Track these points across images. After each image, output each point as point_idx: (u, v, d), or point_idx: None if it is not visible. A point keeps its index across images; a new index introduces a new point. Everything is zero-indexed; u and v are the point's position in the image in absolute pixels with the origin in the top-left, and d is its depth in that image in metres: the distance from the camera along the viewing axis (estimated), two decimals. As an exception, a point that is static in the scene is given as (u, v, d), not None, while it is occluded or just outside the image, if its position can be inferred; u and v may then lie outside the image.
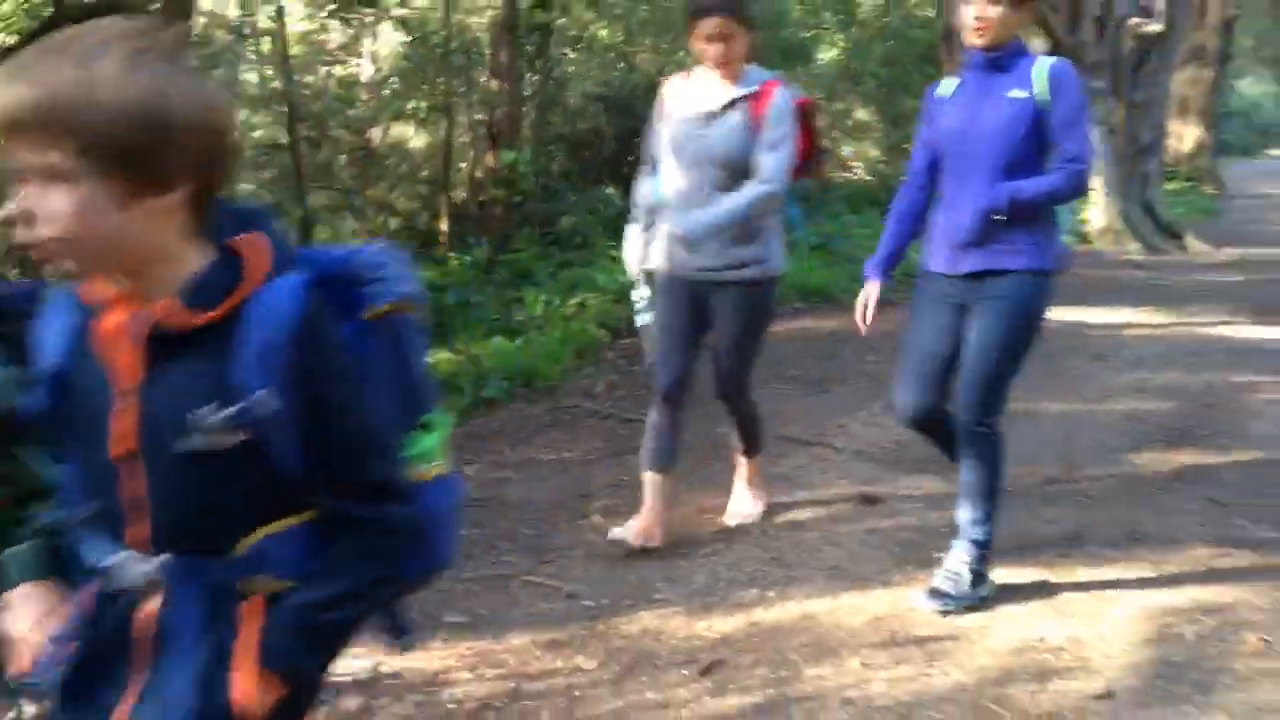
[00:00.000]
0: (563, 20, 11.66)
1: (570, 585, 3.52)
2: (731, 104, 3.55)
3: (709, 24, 3.49)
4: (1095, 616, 3.27)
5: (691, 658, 3.02)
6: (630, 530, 3.70)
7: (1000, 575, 3.46)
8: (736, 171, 3.54)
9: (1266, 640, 3.11)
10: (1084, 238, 12.71)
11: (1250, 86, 47.69)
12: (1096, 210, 12.70)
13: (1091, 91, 12.79)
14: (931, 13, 15.96)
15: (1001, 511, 3.37)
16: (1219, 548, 3.80)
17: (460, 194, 11.96)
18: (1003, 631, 3.17)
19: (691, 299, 3.69)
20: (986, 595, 3.33)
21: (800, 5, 12.51)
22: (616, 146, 11.01)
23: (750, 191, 3.49)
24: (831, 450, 4.98)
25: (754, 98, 3.54)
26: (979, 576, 3.32)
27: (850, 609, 3.31)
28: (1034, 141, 3.09)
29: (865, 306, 3.42)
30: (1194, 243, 12.74)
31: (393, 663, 2.98)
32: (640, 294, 3.84)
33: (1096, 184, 12.74)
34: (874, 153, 21.44)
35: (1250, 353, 6.93)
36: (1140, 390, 6.11)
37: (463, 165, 12.06)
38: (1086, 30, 12.84)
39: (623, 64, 11.58)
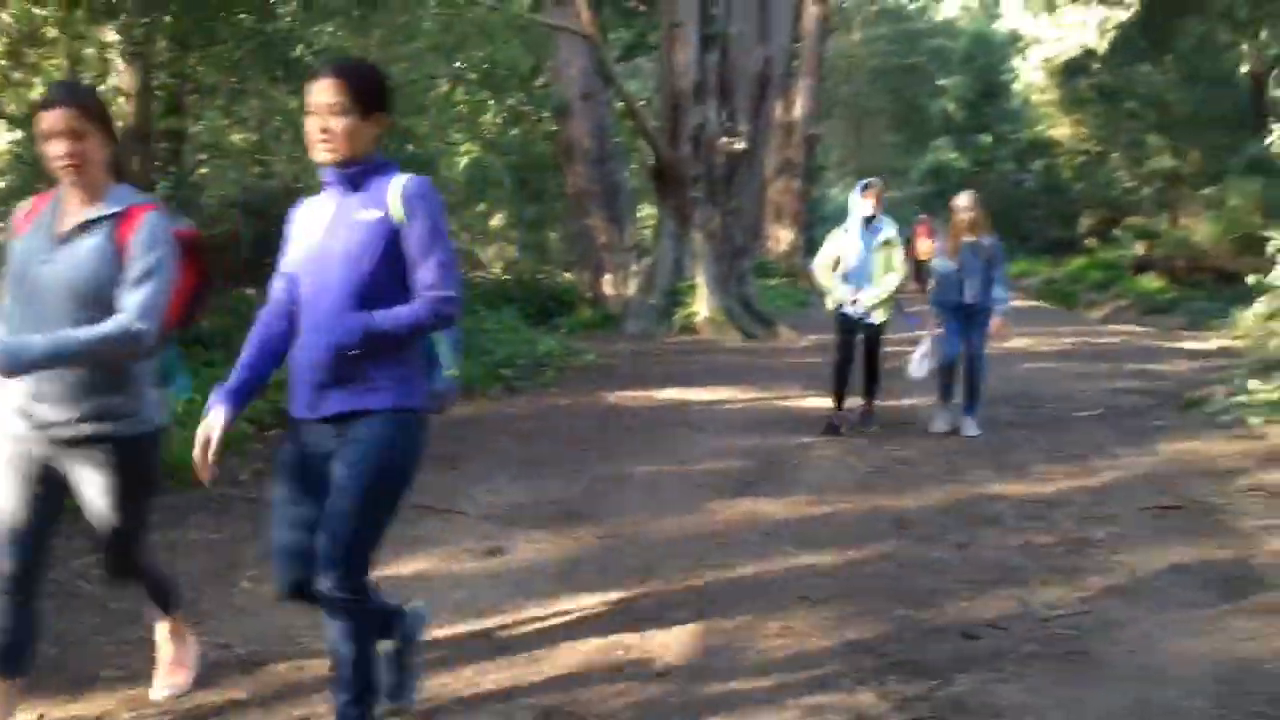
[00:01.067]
0: (196, 127, 11.88)
1: (222, 639, 3.96)
2: (89, 225, 2.92)
3: (51, 118, 2.86)
4: (662, 624, 4.12)
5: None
6: None
7: (590, 600, 4.29)
8: (91, 306, 2.85)
9: (788, 627, 4.08)
10: (692, 328, 14.34)
11: (840, 194, 54.25)
12: (701, 304, 14.35)
13: (694, 201, 14.58)
14: (555, 128, 17.39)
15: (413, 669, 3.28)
16: (763, 565, 4.82)
17: (90, 297, 11.74)
18: (588, 642, 3.95)
19: (42, 467, 2.98)
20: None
21: (425, 123, 13.40)
22: (254, 249, 11.31)
23: (104, 328, 2.79)
24: (461, 515, 5.68)
25: (120, 219, 2.93)
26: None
27: (468, 632, 3.99)
28: (392, 267, 2.79)
29: (208, 440, 2.82)
30: (784, 331, 14.65)
31: (55, 713, 3.34)
32: None
33: (700, 281, 14.44)
34: (510, 251, 22.76)
35: (813, 420, 8.32)
36: (723, 452, 7.27)
37: (92, 268, 11.85)
38: (685, 147, 14.60)
39: (259, 168, 11.93)
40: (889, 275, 7.58)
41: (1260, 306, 13.36)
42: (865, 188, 7.68)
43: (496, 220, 22.60)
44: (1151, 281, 23.96)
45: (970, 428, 7.81)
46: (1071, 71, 30.02)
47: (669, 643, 3.93)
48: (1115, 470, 6.71)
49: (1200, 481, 6.36)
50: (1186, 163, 24.71)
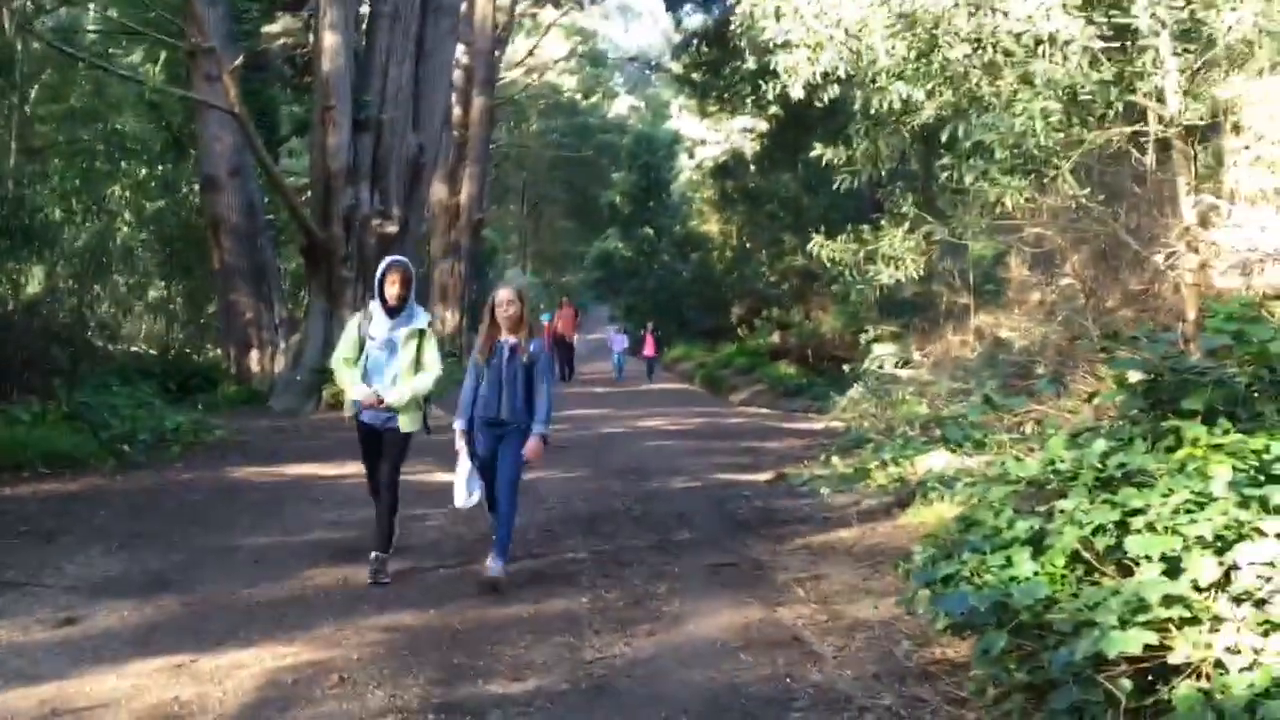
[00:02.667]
0: None
1: None
2: None
3: None
4: (226, 679, 4.36)
5: None
6: None
7: (160, 662, 4.46)
8: None
9: (344, 678, 4.42)
10: (340, 406, 14.39)
11: (522, 277, 55.72)
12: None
13: (344, 280, 14.75)
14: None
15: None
16: (341, 624, 5.14)
17: None
18: (147, 697, 4.13)
19: None
20: None
21: (48, 192, 12.95)
22: None
23: None
24: (43, 587, 5.63)
25: None
26: None
27: (20, 697, 4.06)
28: None
29: None
30: (434, 410, 14.98)
31: None
32: None
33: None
34: (160, 326, 21.91)
35: (435, 492, 8.71)
36: (335, 524, 7.53)
37: None
38: (337, 227, 14.81)
39: None
40: (422, 373, 6.29)
41: (854, 391, 15.14)
42: (388, 268, 6.22)
43: (154, 292, 21.75)
44: (786, 367, 26.27)
45: (494, 567, 5.99)
46: (722, 173, 32.58)
47: (227, 694, 4.18)
48: (692, 533, 7.51)
49: (760, 543, 7.25)
50: (815, 261, 27.36)
